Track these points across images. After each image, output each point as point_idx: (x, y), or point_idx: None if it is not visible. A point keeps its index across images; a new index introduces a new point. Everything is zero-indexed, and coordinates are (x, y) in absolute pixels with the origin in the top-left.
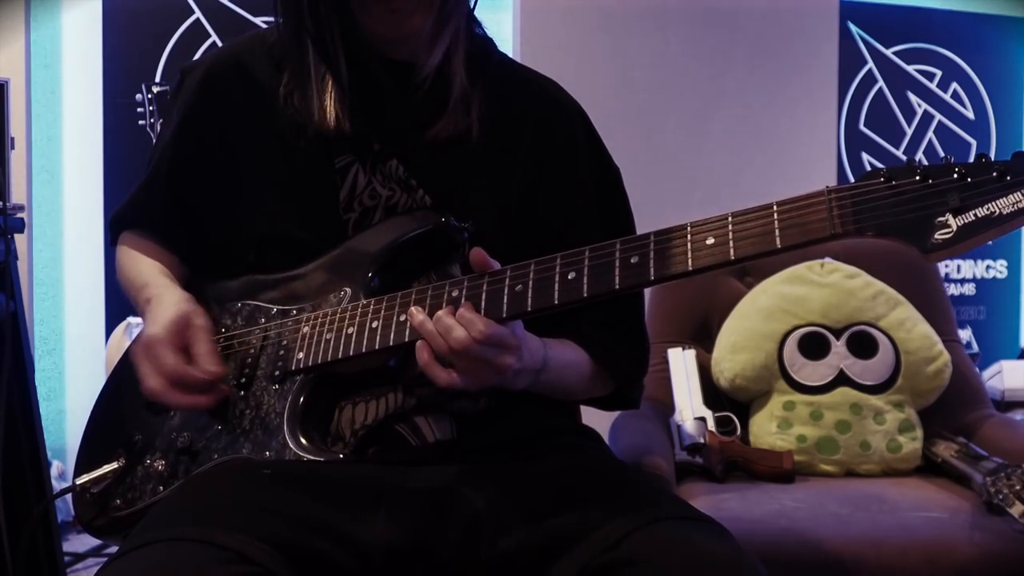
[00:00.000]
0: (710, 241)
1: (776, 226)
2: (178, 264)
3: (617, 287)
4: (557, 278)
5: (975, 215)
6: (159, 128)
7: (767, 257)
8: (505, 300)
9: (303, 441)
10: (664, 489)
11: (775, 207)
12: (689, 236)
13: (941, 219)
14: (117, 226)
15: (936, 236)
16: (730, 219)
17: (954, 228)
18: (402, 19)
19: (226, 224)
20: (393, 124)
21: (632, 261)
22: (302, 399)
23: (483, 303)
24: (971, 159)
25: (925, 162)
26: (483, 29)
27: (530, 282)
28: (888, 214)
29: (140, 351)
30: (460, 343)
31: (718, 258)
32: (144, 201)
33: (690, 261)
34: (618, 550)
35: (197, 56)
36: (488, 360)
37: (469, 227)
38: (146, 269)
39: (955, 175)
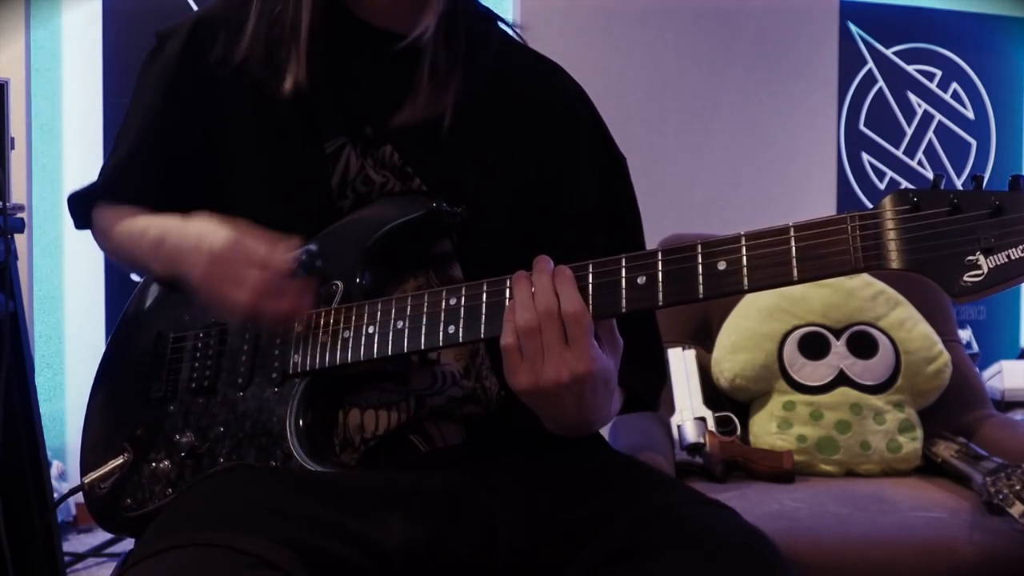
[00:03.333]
0: (722, 266)
1: (793, 255)
2: None
3: (624, 310)
4: None
5: (1008, 257)
6: (131, 100)
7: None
8: (506, 315)
9: (310, 453)
10: (671, 478)
11: (792, 231)
12: (700, 259)
13: (971, 259)
14: (88, 202)
15: (965, 278)
16: (743, 242)
17: (985, 271)
18: None
19: (214, 203)
20: (365, 98)
21: (639, 282)
22: (303, 404)
23: (483, 316)
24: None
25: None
26: (483, 6)
27: None
28: (914, 249)
29: (206, 273)
30: (571, 312)
31: (731, 287)
32: (127, 176)
33: (701, 288)
34: (634, 536)
35: None
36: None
37: (462, 212)
38: (142, 218)
39: (989, 207)
